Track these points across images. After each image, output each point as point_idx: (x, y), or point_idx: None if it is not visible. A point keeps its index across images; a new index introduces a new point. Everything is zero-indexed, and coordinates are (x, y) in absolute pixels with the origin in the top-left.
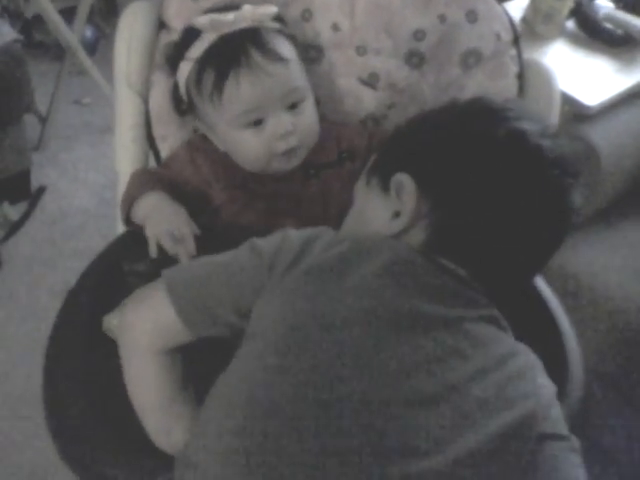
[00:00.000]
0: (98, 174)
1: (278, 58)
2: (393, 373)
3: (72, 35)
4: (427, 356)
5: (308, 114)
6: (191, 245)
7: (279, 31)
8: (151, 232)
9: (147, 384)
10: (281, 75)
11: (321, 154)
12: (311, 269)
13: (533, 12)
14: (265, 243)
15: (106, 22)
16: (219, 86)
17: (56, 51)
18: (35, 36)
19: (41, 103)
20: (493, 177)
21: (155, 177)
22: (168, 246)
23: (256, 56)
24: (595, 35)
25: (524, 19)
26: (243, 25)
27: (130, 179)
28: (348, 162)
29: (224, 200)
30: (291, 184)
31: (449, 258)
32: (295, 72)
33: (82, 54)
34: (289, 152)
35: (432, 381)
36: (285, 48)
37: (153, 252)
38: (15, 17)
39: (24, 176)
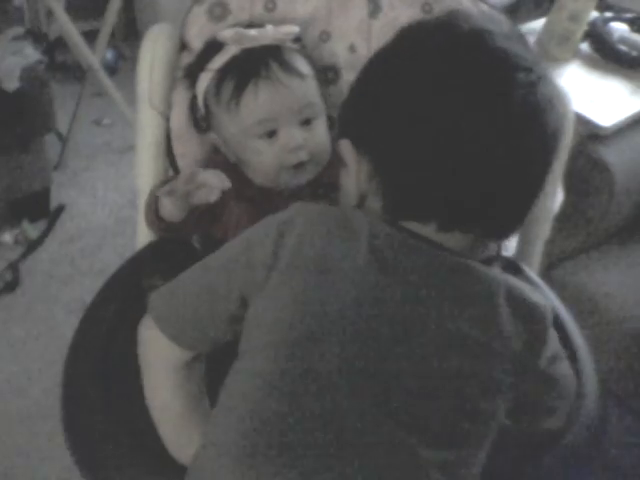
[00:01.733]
0: (116, 193)
1: (296, 73)
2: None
3: (93, 57)
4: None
5: (320, 132)
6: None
7: (298, 52)
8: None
9: (162, 400)
10: (298, 89)
11: (331, 174)
12: (294, 269)
13: (548, 34)
14: (237, 247)
15: (126, 45)
16: (237, 94)
17: (77, 72)
18: (57, 57)
19: (62, 123)
20: (429, 104)
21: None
22: (198, 178)
23: (276, 69)
24: (609, 57)
25: (539, 41)
26: (265, 42)
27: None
28: None
29: (231, 212)
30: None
31: (412, 218)
32: (311, 89)
33: (103, 76)
34: (299, 166)
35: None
36: (303, 66)
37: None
38: (39, 39)
39: (44, 194)
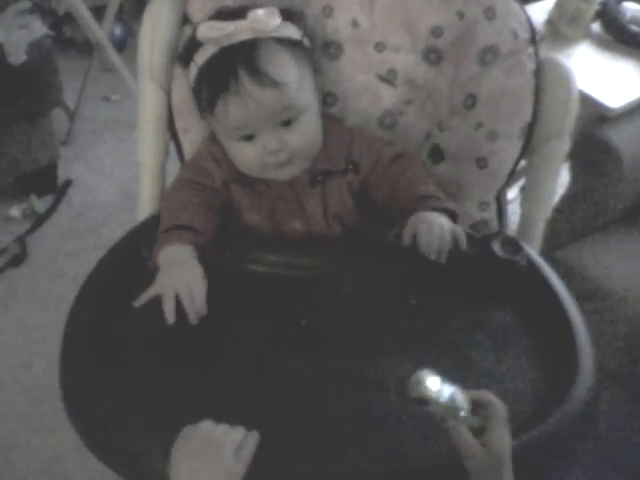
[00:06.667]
0: (123, 169)
1: (269, 82)
2: None
3: (101, 32)
4: None
5: (303, 130)
6: (201, 306)
7: (281, 41)
8: (160, 289)
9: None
10: (269, 100)
11: (329, 162)
12: None
13: (558, 14)
14: None
15: (135, 20)
16: (211, 105)
17: (86, 48)
18: (66, 32)
19: (70, 99)
20: None
21: (189, 215)
22: (168, 308)
23: (245, 81)
24: (621, 37)
25: (549, 20)
26: (242, 37)
27: (167, 209)
28: (351, 174)
29: (234, 196)
30: (295, 188)
31: None
32: (289, 92)
33: (111, 51)
34: (283, 164)
35: None
36: (281, 66)
37: (169, 316)
38: (47, 13)
39: (51, 169)
